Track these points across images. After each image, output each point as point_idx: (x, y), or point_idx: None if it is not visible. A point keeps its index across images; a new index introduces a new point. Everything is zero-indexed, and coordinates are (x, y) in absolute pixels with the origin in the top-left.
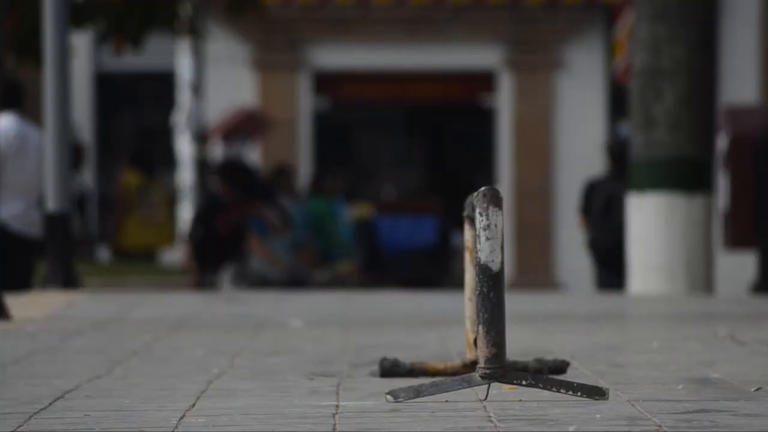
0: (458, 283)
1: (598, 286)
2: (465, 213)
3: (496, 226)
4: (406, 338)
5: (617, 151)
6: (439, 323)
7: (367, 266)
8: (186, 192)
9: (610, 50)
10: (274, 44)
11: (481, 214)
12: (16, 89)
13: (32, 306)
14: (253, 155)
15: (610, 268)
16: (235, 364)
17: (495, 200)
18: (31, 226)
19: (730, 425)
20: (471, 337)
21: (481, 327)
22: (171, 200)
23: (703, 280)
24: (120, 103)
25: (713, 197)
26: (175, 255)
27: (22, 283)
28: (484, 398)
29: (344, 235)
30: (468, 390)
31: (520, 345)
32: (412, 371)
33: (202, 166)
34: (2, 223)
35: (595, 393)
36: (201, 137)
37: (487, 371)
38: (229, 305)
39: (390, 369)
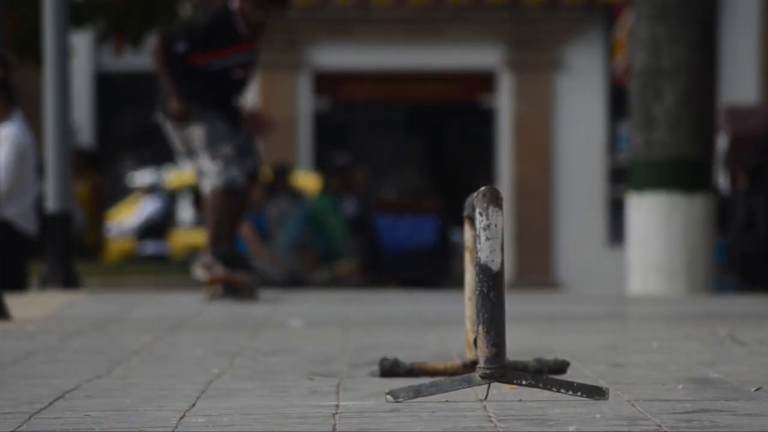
0: (458, 283)
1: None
2: (465, 213)
3: (496, 226)
4: (406, 338)
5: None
6: (439, 323)
7: (367, 266)
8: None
9: (610, 50)
10: (274, 44)
11: (481, 214)
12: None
13: (32, 306)
14: None
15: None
16: (235, 364)
17: (495, 200)
18: (32, 225)
19: (730, 425)
20: (471, 337)
21: (481, 327)
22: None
23: (703, 280)
24: (120, 103)
25: (713, 197)
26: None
27: (19, 283)
28: (484, 398)
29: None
30: (468, 390)
31: (520, 345)
32: (412, 371)
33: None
34: (9, 221)
35: (595, 393)
36: None
37: (487, 371)
38: (229, 305)
39: (390, 369)
